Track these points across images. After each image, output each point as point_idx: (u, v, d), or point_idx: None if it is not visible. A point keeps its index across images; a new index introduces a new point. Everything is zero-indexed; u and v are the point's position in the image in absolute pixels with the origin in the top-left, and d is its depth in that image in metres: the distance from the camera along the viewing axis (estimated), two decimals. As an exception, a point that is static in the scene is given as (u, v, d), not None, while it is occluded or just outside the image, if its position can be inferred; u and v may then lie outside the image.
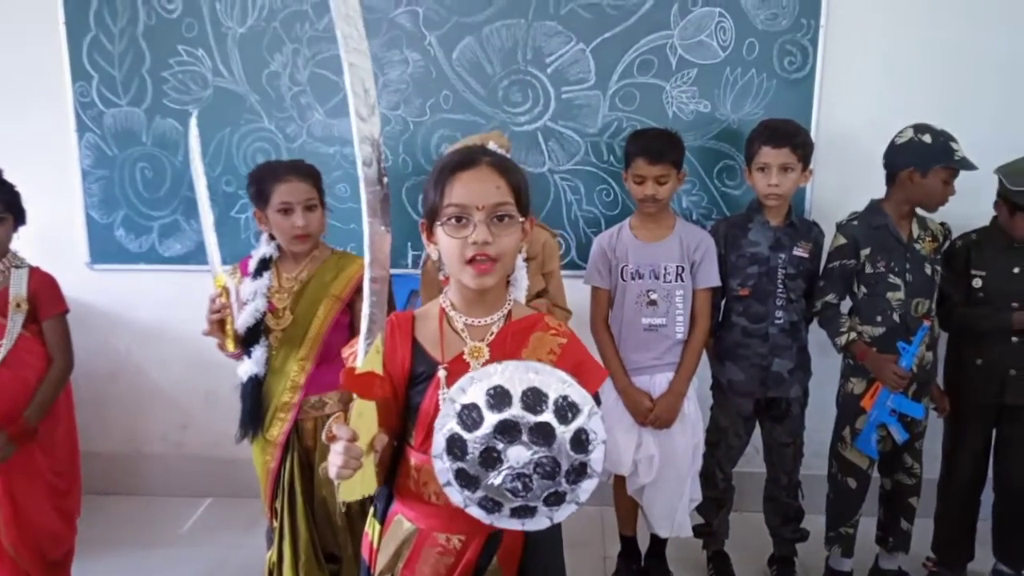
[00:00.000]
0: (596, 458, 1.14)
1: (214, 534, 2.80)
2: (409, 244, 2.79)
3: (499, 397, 1.11)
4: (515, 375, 1.12)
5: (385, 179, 1.14)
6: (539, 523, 1.17)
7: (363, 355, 1.13)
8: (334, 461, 1.09)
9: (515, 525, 1.17)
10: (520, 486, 1.13)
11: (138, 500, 3.03)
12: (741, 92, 2.63)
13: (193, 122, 1.89)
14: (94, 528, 2.62)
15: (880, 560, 2.47)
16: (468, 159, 1.26)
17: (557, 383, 1.12)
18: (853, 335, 2.27)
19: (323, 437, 1.12)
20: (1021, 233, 2.21)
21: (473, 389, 1.12)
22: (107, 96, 2.80)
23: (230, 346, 1.90)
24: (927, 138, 2.18)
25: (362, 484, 1.13)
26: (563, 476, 1.14)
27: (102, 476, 2.99)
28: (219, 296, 1.87)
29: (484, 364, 1.23)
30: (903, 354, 2.20)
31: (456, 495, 1.15)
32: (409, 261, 2.79)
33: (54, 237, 2.88)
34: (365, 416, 1.13)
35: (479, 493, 1.14)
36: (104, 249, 2.91)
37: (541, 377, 1.12)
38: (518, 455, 1.12)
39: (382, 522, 1.36)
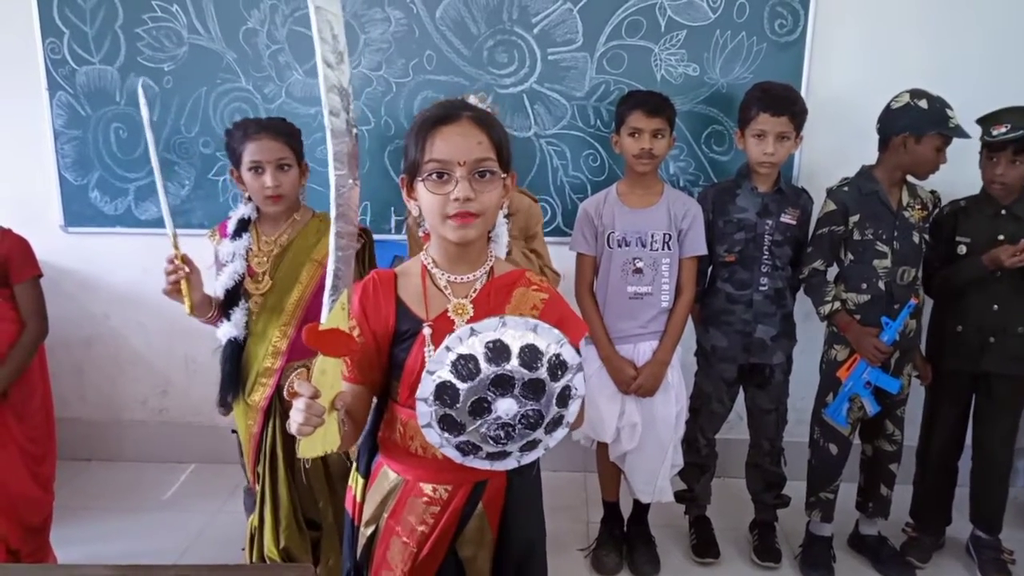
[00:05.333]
0: (572, 411, 1.20)
1: (197, 500, 2.78)
2: (392, 209, 2.74)
3: (498, 351, 1.12)
4: (515, 331, 1.13)
5: (354, 130, 1.11)
6: (507, 465, 1.21)
7: (327, 311, 1.12)
8: (295, 418, 1.08)
9: (485, 465, 1.20)
10: (503, 435, 1.16)
11: (119, 466, 3.01)
12: (731, 55, 2.58)
13: (140, 91, 1.82)
14: (75, 494, 2.61)
15: (860, 525, 2.50)
16: (449, 113, 1.24)
17: (553, 342, 1.14)
18: (837, 305, 2.27)
19: (285, 394, 1.12)
20: (989, 176, 2.21)
21: (472, 341, 1.12)
22: (79, 53, 2.71)
23: (187, 310, 1.84)
24: (923, 103, 2.15)
25: (323, 442, 1.13)
26: (543, 427, 1.18)
27: (81, 442, 2.97)
28: (175, 257, 1.81)
29: (468, 321, 1.24)
30: (886, 328, 2.20)
31: (434, 436, 1.16)
32: (392, 226, 2.74)
33: (27, 199, 2.82)
34: (328, 373, 1.12)
35: (461, 438, 1.16)
36: (78, 212, 2.84)
37: (539, 335, 1.14)
38: (508, 407, 1.14)
39: (366, 476, 1.37)
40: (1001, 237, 2.20)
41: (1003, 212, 2.23)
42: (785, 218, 2.29)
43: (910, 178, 2.26)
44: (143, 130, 2.68)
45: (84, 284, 2.93)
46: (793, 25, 2.55)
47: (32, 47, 2.71)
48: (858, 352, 2.25)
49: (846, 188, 2.28)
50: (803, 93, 2.53)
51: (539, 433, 1.18)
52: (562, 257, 2.39)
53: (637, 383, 2.26)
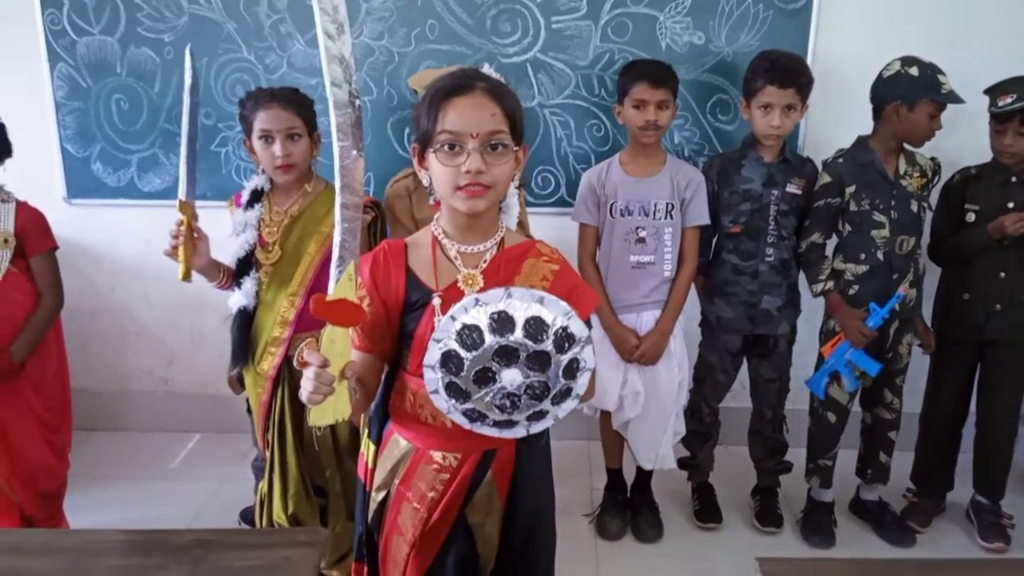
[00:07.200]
0: (581, 383, 1.20)
1: (204, 468, 2.82)
2: (395, 179, 2.73)
3: (502, 322, 1.12)
4: (520, 303, 1.13)
5: (357, 101, 1.11)
6: (516, 433, 1.22)
7: (334, 282, 1.13)
8: (305, 387, 1.11)
9: (493, 433, 1.21)
10: (508, 404, 1.17)
11: (126, 436, 3.04)
12: (737, 23, 2.55)
13: (188, 55, 1.84)
14: (83, 463, 2.63)
15: (861, 491, 2.53)
16: (463, 84, 1.23)
17: (560, 315, 1.14)
18: (830, 284, 2.28)
19: (295, 363, 1.14)
20: (998, 146, 2.21)
21: (476, 311, 1.13)
22: (79, 24, 2.68)
23: (180, 274, 1.85)
24: (914, 71, 2.14)
25: (334, 410, 1.14)
26: (550, 399, 1.18)
27: (88, 413, 2.99)
28: (180, 223, 1.83)
29: (479, 291, 1.24)
30: (872, 314, 2.21)
31: (442, 402, 1.18)
32: (395, 197, 2.73)
33: (29, 171, 2.79)
34: (337, 343, 1.13)
35: (466, 405, 1.17)
36: (81, 184, 2.84)
37: (545, 308, 1.14)
38: (512, 377, 1.14)
39: (377, 443, 1.38)
40: (1011, 205, 2.20)
41: (1013, 179, 2.22)
42: (791, 188, 2.29)
43: (908, 146, 2.26)
44: (144, 102, 2.72)
45: (89, 256, 2.94)
46: (799, -8, 2.52)
47: (31, 18, 2.68)
48: (843, 332, 2.27)
49: (841, 160, 2.27)
50: (809, 61, 2.50)
51: (546, 404, 1.19)
52: (565, 227, 2.39)
53: (640, 352, 2.27)
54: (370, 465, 1.40)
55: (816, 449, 2.44)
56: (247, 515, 2.44)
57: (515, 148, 1.25)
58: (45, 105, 2.77)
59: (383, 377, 1.37)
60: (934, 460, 2.49)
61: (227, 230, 2.05)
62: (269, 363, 2.02)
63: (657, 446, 2.35)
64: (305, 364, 1.10)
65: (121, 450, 2.96)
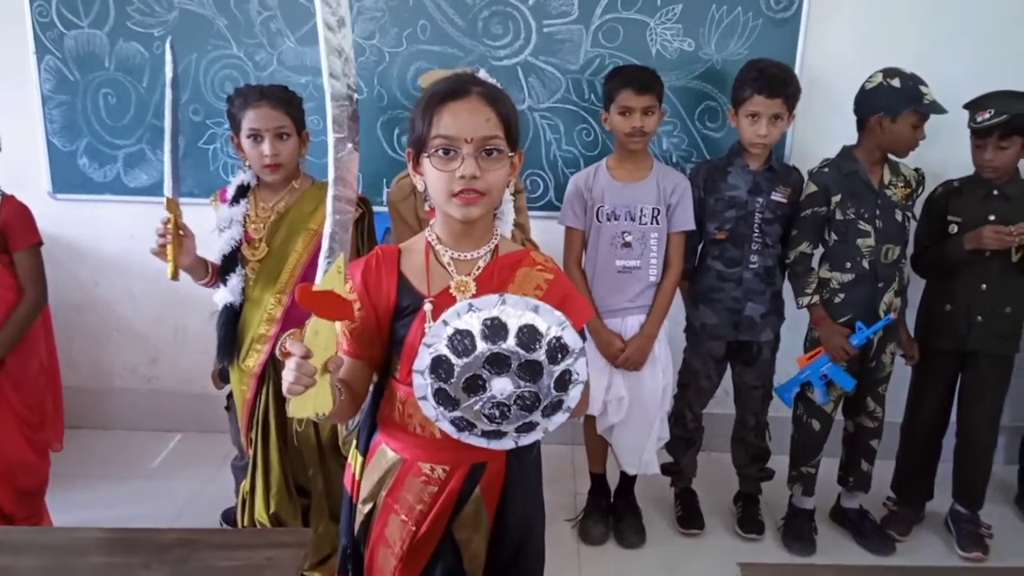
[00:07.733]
0: (573, 396, 1.17)
1: (185, 468, 2.80)
2: (384, 180, 2.73)
3: (495, 329, 1.11)
4: (514, 311, 1.11)
5: (354, 95, 1.10)
6: (504, 444, 1.20)
7: (322, 273, 1.11)
8: (286, 377, 1.08)
9: (481, 443, 1.19)
10: (498, 414, 1.15)
11: (108, 434, 3.02)
12: (726, 31, 2.57)
13: (168, 49, 1.82)
14: (67, 461, 2.61)
15: (842, 499, 2.54)
16: (458, 88, 1.22)
17: (555, 324, 1.12)
18: (816, 299, 2.30)
19: (277, 353, 1.12)
20: (979, 161, 2.23)
21: (469, 316, 1.11)
22: (67, 17, 2.66)
23: (168, 273, 1.83)
24: (896, 82, 2.17)
25: (314, 402, 1.11)
26: (540, 410, 1.16)
27: (73, 410, 2.94)
28: (167, 221, 1.81)
29: (472, 298, 1.22)
30: (857, 332, 2.24)
31: (430, 409, 1.16)
32: (384, 198, 2.73)
33: (14, 164, 2.77)
34: (321, 335, 1.10)
35: (455, 413, 1.15)
36: (67, 178, 2.82)
37: (540, 316, 1.12)
38: (503, 387, 1.13)
39: (364, 453, 1.36)
40: (992, 217, 2.22)
41: (995, 192, 2.25)
42: (776, 196, 2.31)
43: (892, 156, 2.28)
44: (132, 96, 2.71)
45: (73, 251, 2.91)
46: (789, 2, 2.54)
47: (20, 10, 2.66)
48: (824, 347, 2.30)
49: (827, 169, 2.30)
50: (797, 70, 2.53)
51: (536, 416, 1.16)
52: (552, 231, 2.39)
53: (624, 356, 2.28)
54: (357, 476, 1.37)
55: (799, 456, 2.45)
56: (229, 516, 2.43)
57: (510, 154, 1.24)
58: (31, 98, 2.75)
59: (372, 386, 1.35)
60: (914, 469, 2.51)
61: (212, 226, 2.03)
62: (254, 360, 2.01)
63: (641, 451, 2.36)
64: (287, 354, 1.08)
65: (105, 448, 2.93)
